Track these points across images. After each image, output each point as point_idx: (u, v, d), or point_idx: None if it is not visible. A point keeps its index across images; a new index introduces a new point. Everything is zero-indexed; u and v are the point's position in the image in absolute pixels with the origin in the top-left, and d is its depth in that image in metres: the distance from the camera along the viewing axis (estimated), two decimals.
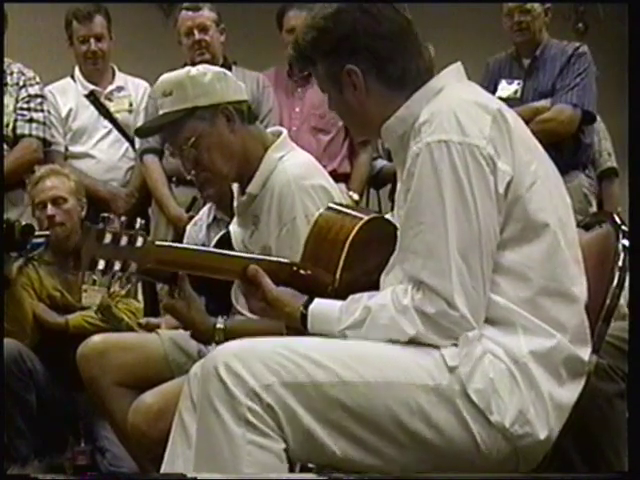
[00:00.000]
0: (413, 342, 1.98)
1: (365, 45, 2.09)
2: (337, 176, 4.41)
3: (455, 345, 1.97)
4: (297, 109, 4.76)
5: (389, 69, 2.10)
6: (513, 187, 1.99)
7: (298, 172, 2.72)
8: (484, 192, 1.96)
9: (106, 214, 2.07)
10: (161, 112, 2.78)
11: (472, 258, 1.95)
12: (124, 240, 2.05)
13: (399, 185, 2.16)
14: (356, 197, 4.51)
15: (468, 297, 1.94)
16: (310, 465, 2.26)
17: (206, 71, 2.79)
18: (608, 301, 2.18)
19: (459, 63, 2.18)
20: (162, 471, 2.27)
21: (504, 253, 2.00)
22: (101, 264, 2.05)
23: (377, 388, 1.94)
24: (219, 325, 2.59)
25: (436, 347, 1.97)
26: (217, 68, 2.89)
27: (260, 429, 1.89)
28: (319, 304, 2.12)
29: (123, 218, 2.09)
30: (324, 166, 2.97)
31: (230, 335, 2.53)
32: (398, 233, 2.11)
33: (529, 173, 2.01)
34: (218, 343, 2.54)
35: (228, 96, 2.76)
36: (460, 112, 1.99)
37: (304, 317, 2.11)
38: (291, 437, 1.92)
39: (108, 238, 2.03)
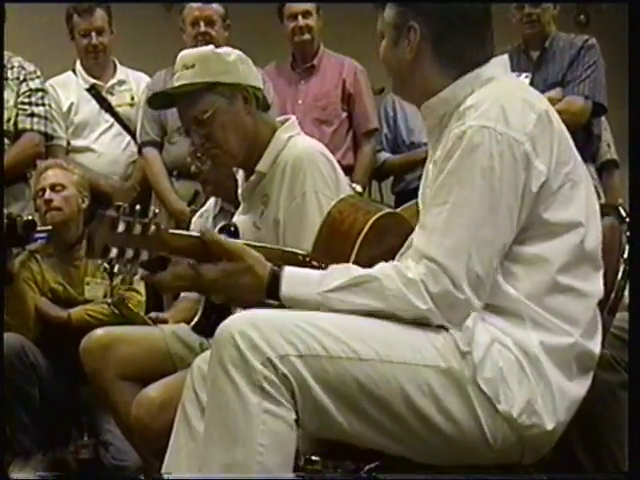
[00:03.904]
0: (420, 322, 1.98)
1: (437, 13, 2.10)
2: (341, 169, 4.41)
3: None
4: (300, 101, 4.76)
5: (446, 47, 2.11)
6: (545, 187, 2.00)
7: (309, 146, 2.75)
8: (512, 186, 1.98)
9: (119, 203, 2.06)
10: (178, 83, 2.75)
11: (486, 246, 1.97)
12: (137, 229, 2.04)
13: (430, 165, 2.15)
14: (359, 189, 4.50)
15: (472, 282, 1.95)
16: (314, 458, 2.27)
17: (230, 52, 2.80)
18: (613, 293, 2.19)
19: (506, 56, 2.19)
20: (165, 464, 2.27)
21: (523, 247, 2.02)
22: (113, 252, 2.03)
23: (391, 366, 1.95)
24: None
25: (447, 329, 1.97)
26: (239, 52, 2.88)
27: (275, 398, 1.89)
28: (294, 268, 2.10)
29: (137, 206, 2.06)
30: None
31: None
32: (422, 211, 2.11)
33: (560, 175, 2.03)
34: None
35: (248, 79, 2.78)
36: (507, 105, 2.01)
37: (275, 278, 2.07)
38: (302, 408, 1.91)
39: (121, 226, 2.02)
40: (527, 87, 2.19)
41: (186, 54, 2.79)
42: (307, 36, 4.75)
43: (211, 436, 1.94)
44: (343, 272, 2.04)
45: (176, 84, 2.76)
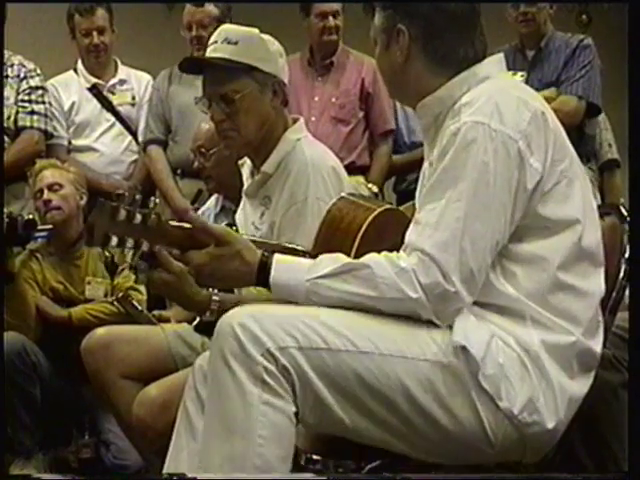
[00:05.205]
0: (413, 318, 1.98)
1: (423, 13, 2.12)
2: (355, 169, 4.40)
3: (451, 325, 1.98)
4: (316, 98, 4.68)
5: (436, 44, 2.12)
6: (540, 185, 2.01)
7: (316, 154, 2.74)
8: (505, 182, 1.98)
9: (120, 191, 2.05)
10: (216, 55, 2.72)
11: (479, 241, 1.96)
12: (138, 218, 2.03)
13: (425, 164, 2.16)
14: (375, 189, 4.47)
15: (463, 276, 1.95)
16: (315, 457, 2.26)
17: (274, 41, 2.80)
18: (614, 293, 2.19)
19: (502, 54, 2.20)
20: (167, 463, 2.27)
21: (522, 245, 2.02)
22: (114, 240, 2.03)
23: (392, 361, 1.95)
24: (215, 297, 2.51)
25: (448, 325, 1.97)
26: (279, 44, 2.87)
27: (275, 390, 1.89)
28: (283, 255, 2.10)
29: (138, 196, 2.05)
30: (342, 158, 2.96)
31: (224, 306, 2.44)
32: (417, 209, 2.11)
33: (555, 172, 2.03)
34: (212, 314, 2.45)
35: (282, 74, 2.78)
36: (502, 102, 2.02)
37: (265, 265, 2.06)
38: (302, 401, 1.92)
39: (122, 215, 2.02)
40: (522, 85, 2.21)
41: (230, 28, 2.79)
42: (335, 36, 4.72)
43: (211, 427, 1.95)
44: (333, 260, 2.04)
45: (214, 55, 2.73)
